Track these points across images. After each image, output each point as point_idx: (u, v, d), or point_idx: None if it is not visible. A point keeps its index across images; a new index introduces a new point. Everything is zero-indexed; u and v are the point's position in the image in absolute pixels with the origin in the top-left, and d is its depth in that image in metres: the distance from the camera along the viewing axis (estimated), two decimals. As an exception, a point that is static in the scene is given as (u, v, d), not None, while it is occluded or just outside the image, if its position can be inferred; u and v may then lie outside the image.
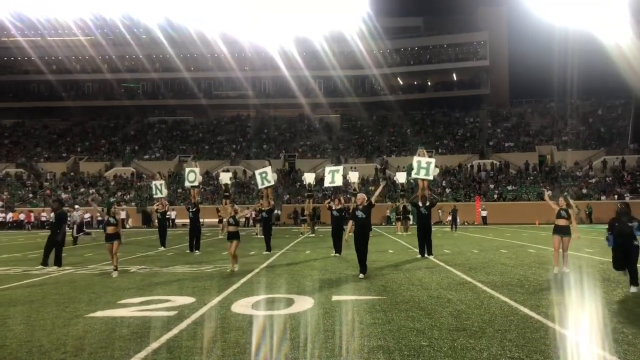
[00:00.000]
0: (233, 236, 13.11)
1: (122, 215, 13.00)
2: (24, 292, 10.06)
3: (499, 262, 14.01)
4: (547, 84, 56.30)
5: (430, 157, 17.20)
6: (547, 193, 14.00)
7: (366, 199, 11.78)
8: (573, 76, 53.88)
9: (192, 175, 20.91)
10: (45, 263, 14.24)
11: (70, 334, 6.63)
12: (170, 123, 64.45)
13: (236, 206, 14.30)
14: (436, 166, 17.05)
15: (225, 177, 29.92)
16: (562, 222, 11.93)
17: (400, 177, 32.76)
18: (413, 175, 17.49)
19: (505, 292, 9.15)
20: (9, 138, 62.54)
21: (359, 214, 11.47)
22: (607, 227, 9.59)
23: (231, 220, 13.29)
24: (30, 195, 50.98)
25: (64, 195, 47.83)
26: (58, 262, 14.17)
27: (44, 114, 64.29)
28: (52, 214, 15.41)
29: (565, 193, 15.33)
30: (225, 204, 27.47)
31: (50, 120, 64.68)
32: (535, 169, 50.84)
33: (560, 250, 11.98)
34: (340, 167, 22.09)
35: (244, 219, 16.16)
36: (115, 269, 12.51)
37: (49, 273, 13.02)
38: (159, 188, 21.58)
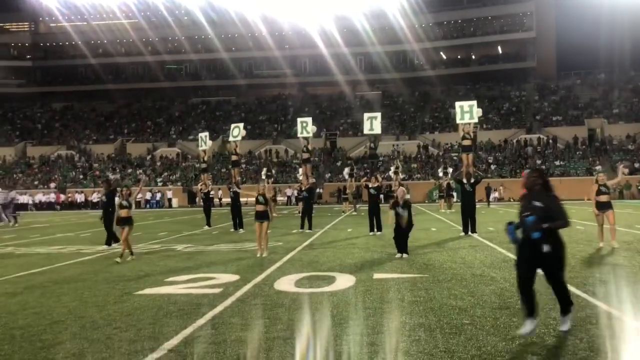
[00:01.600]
0: (261, 216, 11.79)
1: (139, 196, 12.55)
2: (77, 270, 10.49)
3: (545, 240, 13.69)
4: (597, 55, 54.16)
5: (474, 132, 17.28)
6: (623, 169, 13.58)
7: (406, 193, 11.61)
8: (624, 46, 51.63)
9: (237, 130, 21.13)
10: (109, 243, 14.50)
11: (121, 310, 6.90)
12: (213, 104, 65.26)
13: (266, 185, 12.93)
14: (478, 108, 17.32)
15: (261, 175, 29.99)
16: (603, 198, 11.93)
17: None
18: (458, 121, 17.80)
19: (551, 270, 8.95)
20: (59, 121, 64.74)
21: (400, 210, 11.19)
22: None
23: (260, 198, 11.85)
24: (81, 176, 52.77)
25: (112, 176, 49.36)
26: (108, 241, 14.60)
27: (92, 98, 66.11)
28: (103, 195, 15.70)
29: (599, 168, 14.96)
30: (267, 183, 27.70)
31: (98, 103, 66.49)
32: (585, 143, 49.19)
33: (607, 225, 11.84)
34: (378, 114, 21.63)
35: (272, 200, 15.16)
36: (121, 256, 11.53)
37: (100, 252, 13.51)
38: (204, 140, 22.13)
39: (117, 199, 12.70)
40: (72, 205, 46.30)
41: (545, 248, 5.18)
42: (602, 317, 5.97)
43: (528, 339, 5.18)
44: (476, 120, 17.80)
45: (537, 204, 5.27)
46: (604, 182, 12.06)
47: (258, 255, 11.75)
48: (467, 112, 17.16)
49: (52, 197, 47.57)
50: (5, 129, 62.67)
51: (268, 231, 12.23)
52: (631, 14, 45.81)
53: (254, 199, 12.22)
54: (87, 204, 45.61)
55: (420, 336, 5.38)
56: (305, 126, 20.52)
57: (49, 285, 8.84)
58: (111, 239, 14.56)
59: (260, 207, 11.87)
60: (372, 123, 20.92)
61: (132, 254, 11.89)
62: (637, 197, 40.17)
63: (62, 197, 47.62)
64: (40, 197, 47.66)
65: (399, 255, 11.11)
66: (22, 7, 65.43)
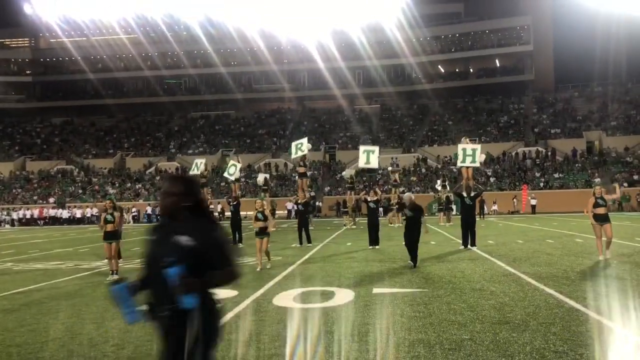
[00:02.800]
0: (261, 233, 11.91)
1: (123, 214, 11.63)
2: (74, 286, 10.45)
3: (544, 253, 13.69)
4: (594, 67, 54.35)
5: (474, 144, 17.06)
6: (617, 183, 13.92)
7: (413, 198, 12.27)
8: (620, 58, 51.94)
9: (233, 168, 21.43)
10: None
11: (118, 327, 6.85)
12: (212, 118, 65.46)
13: (264, 201, 12.84)
14: (482, 153, 16.89)
15: (260, 179, 30.06)
16: (600, 210, 12.02)
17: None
18: (459, 164, 17.45)
19: (551, 284, 8.94)
20: (59, 136, 64.86)
21: (408, 212, 11.82)
22: None
23: (259, 215, 11.93)
24: (80, 191, 52.73)
25: (111, 191, 49.32)
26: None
27: (91, 112, 66.28)
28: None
29: (598, 180, 15.23)
30: (264, 198, 27.75)
31: (97, 117, 66.65)
32: (583, 155, 49.29)
33: (604, 238, 11.94)
34: (376, 148, 21.66)
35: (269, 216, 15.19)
36: (113, 272, 11.19)
37: (98, 267, 13.47)
38: (198, 166, 22.32)
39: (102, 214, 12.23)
40: (71, 221, 46.16)
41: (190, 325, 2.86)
42: (602, 332, 5.93)
43: (528, 356, 5.15)
44: (478, 165, 17.11)
45: (183, 240, 2.94)
46: (600, 194, 12.13)
47: (258, 269, 11.75)
48: (469, 155, 16.48)
49: (33, 212, 47.15)
50: (4, 144, 62.75)
51: (268, 245, 12.28)
52: (628, 26, 46.14)
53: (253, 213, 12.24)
54: (83, 220, 45.33)
55: (419, 352, 5.34)
56: (300, 146, 20.55)
57: (46, 302, 8.80)
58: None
59: (259, 224, 11.89)
60: (369, 157, 20.81)
61: (116, 272, 11.27)
62: (637, 209, 40.16)
63: (45, 212, 47.28)
64: (21, 212, 47.27)
65: (410, 263, 11.56)
66: (22, 23, 65.86)
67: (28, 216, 46.84)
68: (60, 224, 44.87)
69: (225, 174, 22.35)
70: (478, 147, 17.01)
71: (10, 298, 9.29)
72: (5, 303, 8.80)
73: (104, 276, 11.61)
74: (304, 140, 20.88)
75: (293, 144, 21.17)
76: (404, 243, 11.93)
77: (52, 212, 47.00)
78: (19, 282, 11.13)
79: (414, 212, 11.74)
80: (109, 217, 11.42)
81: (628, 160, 47.03)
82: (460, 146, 17.04)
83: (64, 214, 46.62)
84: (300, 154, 20.59)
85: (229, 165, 21.95)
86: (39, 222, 45.77)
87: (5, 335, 6.63)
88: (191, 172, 23.09)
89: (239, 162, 21.80)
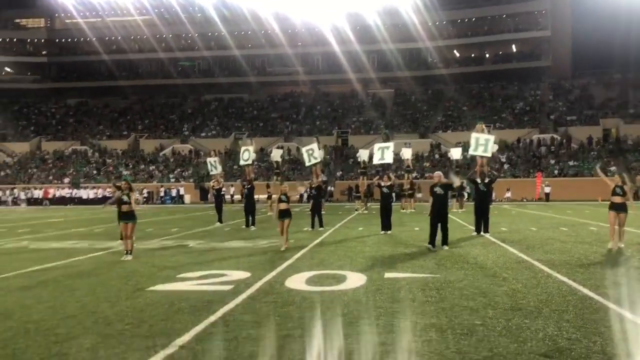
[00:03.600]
0: (284, 214, 12.64)
1: (136, 195, 11.63)
2: (90, 266, 10.59)
3: (558, 240, 13.62)
4: (613, 54, 53.48)
5: (488, 132, 16.86)
6: (598, 166, 13.82)
7: (442, 177, 12.62)
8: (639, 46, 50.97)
9: (247, 154, 21.45)
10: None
11: (133, 306, 6.95)
12: (225, 101, 65.46)
13: (285, 185, 13.63)
14: (495, 142, 16.71)
15: (276, 155, 30.11)
16: (617, 199, 11.92)
17: (455, 154, 32.12)
18: (471, 152, 17.30)
19: (564, 272, 8.90)
20: (73, 117, 65.30)
21: (438, 190, 12.15)
22: None
23: (283, 197, 12.74)
24: (95, 172, 53.21)
25: (125, 172, 49.68)
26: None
27: (105, 94, 66.59)
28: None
29: (614, 169, 15.22)
30: (277, 180, 27.86)
31: (111, 99, 66.94)
32: (599, 143, 48.69)
33: (617, 226, 11.85)
34: (391, 144, 21.58)
35: (295, 197, 15.87)
36: (127, 253, 11.43)
37: (112, 247, 13.62)
38: (214, 165, 22.27)
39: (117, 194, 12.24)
40: (84, 201, 46.63)
41: None
42: (615, 320, 5.91)
43: (541, 342, 5.14)
44: (489, 155, 16.83)
45: None
46: (620, 183, 11.96)
47: (282, 249, 12.36)
48: (482, 144, 16.31)
49: (38, 192, 47.80)
50: (20, 124, 63.37)
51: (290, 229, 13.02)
52: (647, 12, 45.23)
53: (265, 196, 12.61)
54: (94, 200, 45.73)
55: (431, 337, 5.36)
56: (312, 153, 20.43)
57: (62, 280, 8.93)
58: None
59: (282, 205, 12.69)
60: (384, 153, 20.62)
61: (130, 253, 11.48)
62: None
63: (50, 193, 47.82)
64: (24, 193, 47.87)
65: (430, 246, 11.98)
66: (37, 4, 66.14)
67: (36, 196, 47.52)
68: (68, 204, 45.44)
69: (241, 162, 22.34)
70: (491, 137, 16.78)
71: (27, 276, 9.44)
72: (23, 280, 8.96)
73: (118, 256, 11.74)
74: (314, 145, 20.65)
75: (304, 149, 20.99)
76: (431, 224, 12.22)
77: (66, 193, 47.54)
78: (36, 260, 11.30)
79: (444, 189, 12.22)
80: (124, 197, 11.54)
81: (645, 148, 46.39)
82: (473, 134, 16.84)
83: (83, 193, 47.18)
84: (313, 161, 20.42)
85: (243, 150, 21.92)
86: (45, 203, 46.33)
87: (23, 311, 6.75)
88: (211, 173, 23.10)
89: (252, 144, 21.80)
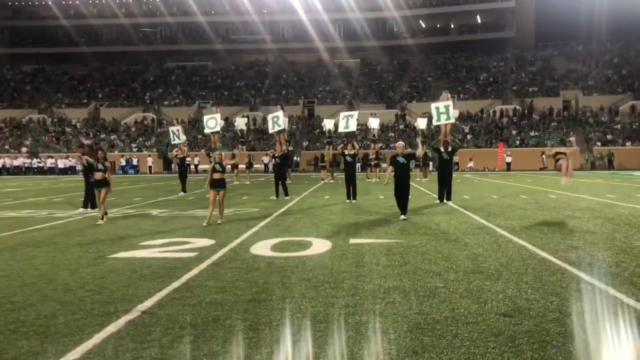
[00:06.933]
0: (218, 184, 11.51)
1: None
2: (48, 234, 10.32)
3: (518, 207, 13.93)
4: (575, 26, 54.35)
5: (446, 101, 17.17)
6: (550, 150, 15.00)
7: (405, 146, 12.53)
8: (602, 18, 51.92)
9: (213, 122, 21.14)
10: (85, 206, 14.69)
11: (93, 273, 6.81)
12: (189, 69, 64.06)
13: (219, 152, 12.27)
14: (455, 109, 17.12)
15: (240, 123, 29.78)
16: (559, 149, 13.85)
17: (421, 124, 32.38)
18: (435, 123, 17.52)
19: (524, 236, 9.12)
20: (30, 84, 62.89)
21: (401, 159, 11.98)
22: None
23: (217, 166, 11.51)
24: (54, 140, 51.67)
25: (86, 141, 48.40)
26: (93, 205, 14.45)
27: (64, 60, 64.27)
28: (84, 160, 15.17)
29: (573, 139, 16.84)
30: (242, 150, 27.60)
31: (70, 66, 64.68)
32: (560, 114, 49.74)
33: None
34: (355, 113, 21.89)
35: (229, 167, 15.34)
36: (102, 217, 11.99)
37: (72, 216, 13.32)
38: (177, 134, 21.87)
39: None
40: (43, 171, 45.41)
41: None
42: (572, 281, 6.09)
43: (501, 302, 5.26)
44: (453, 120, 17.32)
45: None
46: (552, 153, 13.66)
47: (204, 224, 11.20)
48: (443, 113, 16.72)
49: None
50: (-27, 91, 60.80)
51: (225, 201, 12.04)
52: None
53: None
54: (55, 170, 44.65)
55: (394, 298, 5.42)
56: (277, 120, 20.34)
57: (19, 249, 8.68)
58: (89, 202, 14.57)
59: (217, 175, 11.51)
60: (349, 121, 20.96)
61: (102, 217, 12.01)
62: (606, 168, 40.96)
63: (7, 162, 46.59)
64: None
65: (402, 217, 11.76)
66: (-12, -36, 62.90)
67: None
68: (25, 173, 44.25)
69: (206, 130, 21.97)
70: (450, 102, 17.22)
71: (-18, 245, 9.14)
72: (-23, 249, 8.67)
73: (77, 224, 11.47)
74: (280, 113, 20.57)
75: (269, 117, 20.87)
76: (394, 194, 12.07)
77: (23, 162, 46.18)
78: (-9, 230, 10.96)
79: (407, 159, 12.05)
80: (100, 166, 12.25)
81: (603, 119, 47.64)
82: (433, 105, 17.30)
83: (48, 163, 45.97)
84: (277, 128, 20.33)
85: (207, 119, 21.56)
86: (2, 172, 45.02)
87: (-23, 280, 6.54)
88: (172, 142, 22.58)
89: (217, 112, 21.47)
